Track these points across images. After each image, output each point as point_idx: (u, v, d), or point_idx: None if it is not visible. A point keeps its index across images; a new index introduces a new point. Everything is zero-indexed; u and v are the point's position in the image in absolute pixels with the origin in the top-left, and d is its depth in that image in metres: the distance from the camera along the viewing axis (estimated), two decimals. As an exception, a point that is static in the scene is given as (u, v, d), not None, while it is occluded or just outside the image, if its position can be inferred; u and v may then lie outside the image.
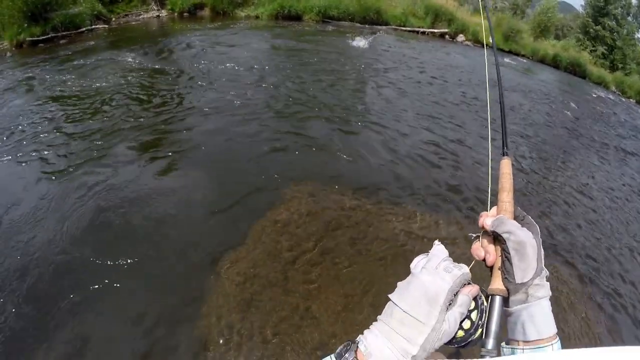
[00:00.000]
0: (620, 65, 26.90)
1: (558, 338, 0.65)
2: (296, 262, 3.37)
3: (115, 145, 4.93)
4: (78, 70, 7.77)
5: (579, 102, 13.18)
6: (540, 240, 0.70)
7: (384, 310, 0.65)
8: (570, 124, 10.01)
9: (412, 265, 0.69)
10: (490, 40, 1.34)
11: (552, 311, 0.67)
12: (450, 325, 0.62)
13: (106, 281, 3.06)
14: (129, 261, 3.25)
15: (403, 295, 0.64)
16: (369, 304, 3.07)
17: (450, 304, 0.63)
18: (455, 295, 0.64)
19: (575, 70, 20.72)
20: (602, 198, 6.18)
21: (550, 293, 0.67)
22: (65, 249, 3.34)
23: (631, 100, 20.50)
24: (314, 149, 5.26)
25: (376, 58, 10.95)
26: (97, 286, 3.01)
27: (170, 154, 4.80)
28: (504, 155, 0.88)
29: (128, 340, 2.67)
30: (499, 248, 0.71)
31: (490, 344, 0.65)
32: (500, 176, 0.83)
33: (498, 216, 0.73)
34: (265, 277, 3.21)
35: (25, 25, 10.70)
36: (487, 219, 0.74)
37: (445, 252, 0.69)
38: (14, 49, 10.39)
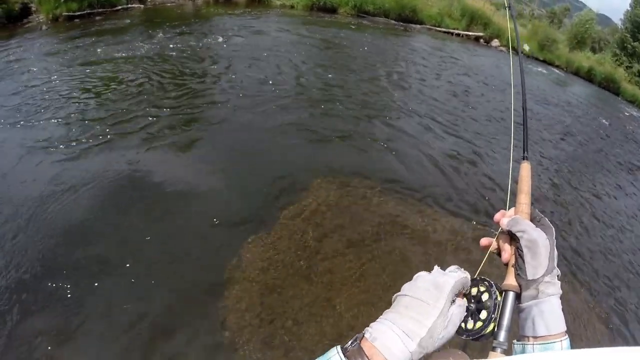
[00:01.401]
0: (656, 85, 26.09)
1: (567, 336, 0.67)
2: (320, 252, 3.42)
3: (143, 128, 4.89)
4: (110, 48, 7.85)
5: (610, 118, 12.86)
6: (555, 241, 0.73)
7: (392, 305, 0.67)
8: (598, 140, 9.79)
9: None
10: (526, 48, 1.35)
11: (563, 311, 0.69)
12: (454, 318, 0.63)
13: (129, 259, 3.13)
14: (153, 238, 3.33)
15: (410, 288, 0.66)
16: (389, 301, 3.08)
17: (453, 301, 0.65)
18: (456, 296, 0.66)
19: (609, 85, 20.20)
20: (620, 220, 6.07)
21: (560, 291, 0.69)
22: (87, 222, 3.41)
23: (666, 121, 19.90)
24: (343, 143, 5.29)
25: (409, 57, 10.87)
26: (119, 262, 3.09)
27: (199, 139, 4.81)
28: (524, 159, 0.91)
29: (149, 315, 2.74)
30: (513, 246, 0.75)
31: (502, 336, 0.67)
32: (520, 179, 0.87)
33: (514, 216, 0.77)
34: (289, 264, 3.27)
35: (63, 0, 10.85)
36: (504, 219, 0.77)
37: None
38: (49, 22, 10.49)
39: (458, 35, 17.02)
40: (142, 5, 13.00)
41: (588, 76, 19.86)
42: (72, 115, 5.01)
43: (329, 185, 4.28)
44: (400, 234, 3.85)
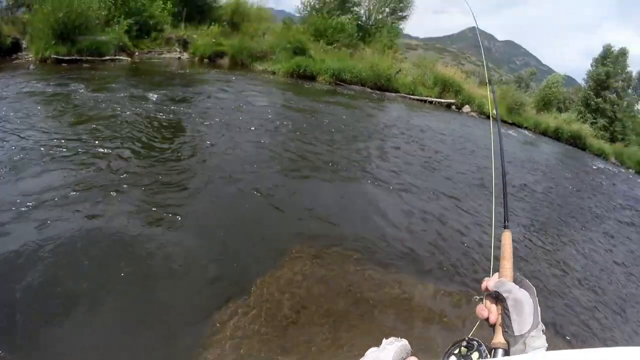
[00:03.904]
0: (620, 137, 27.66)
1: None
2: (297, 323, 3.38)
3: (117, 186, 4.79)
4: (95, 96, 8.00)
5: (579, 173, 13.50)
6: (537, 299, 0.78)
7: None
8: (570, 196, 10.23)
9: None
10: (495, 113, 1.53)
11: None
12: None
13: (98, 326, 3.02)
14: (123, 303, 3.24)
15: None
16: (367, 371, 3.04)
17: None
18: None
19: (576, 142, 21.36)
20: (597, 267, 6.35)
21: (546, 344, 0.72)
22: (63, 280, 3.27)
23: (630, 170, 21.03)
24: (321, 210, 5.38)
25: (384, 123, 11.41)
26: (88, 323, 2.99)
27: (173, 203, 4.71)
28: (505, 228, 0.97)
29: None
30: (500, 307, 0.79)
31: None
32: (502, 246, 0.92)
33: (499, 279, 0.83)
34: (265, 334, 3.21)
35: (53, 42, 11.22)
36: (490, 282, 0.83)
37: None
38: (37, 62, 10.85)
39: (431, 102, 18.01)
40: (129, 58, 13.50)
41: (555, 135, 21.02)
42: (41, 173, 4.82)
43: (305, 254, 4.30)
44: (378, 304, 3.85)
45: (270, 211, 5.11)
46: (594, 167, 16.71)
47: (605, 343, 4.45)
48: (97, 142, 5.93)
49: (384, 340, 0.75)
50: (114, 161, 5.45)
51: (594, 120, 27.71)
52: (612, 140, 26.83)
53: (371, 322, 3.61)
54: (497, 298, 0.81)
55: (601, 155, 21.43)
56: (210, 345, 3.03)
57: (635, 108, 30.15)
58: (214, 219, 4.69)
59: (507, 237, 0.94)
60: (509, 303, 0.76)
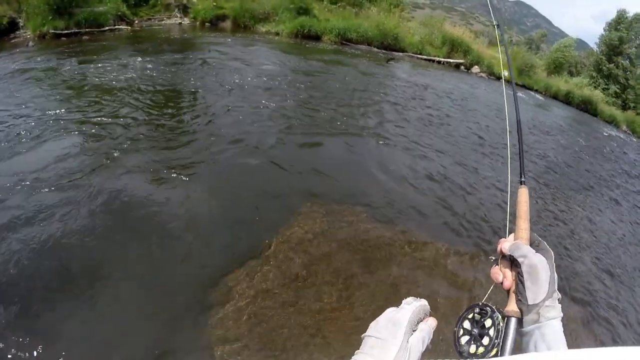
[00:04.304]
0: (632, 105, 27.08)
1: None
2: (308, 281, 3.39)
3: (126, 152, 4.82)
4: (96, 67, 7.89)
5: (589, 139, 13.29)
6: (554, 265, 0.75)
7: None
8: (580, 161, 10.07)
9: None
10: (506, 74, 1.42)
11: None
12: (414, 347, 0.65)
13: (117, 284, 3.07)
14: (140, 265, 3.28)
15: (373, 328, 0.68)
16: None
17: (414, 330, 0.67)
18: (417, 323, 0.68)
19: (587, 107, 20.92)
20: (606, 235, 6.30)
21: (561, 314, 0.71)
22: (79, 243, 3.34)
23: (642, 139, 20.60)
24: (329, 169, 5.31)
25: (392, 83, 11.14)
26: (105, 285, 3.03)
27: (182, 166, 4.72)
28: (521, 183, 0.92)
29: (134, 341, 2.68)
30: (514, 272, 0.76)
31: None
32: (518, 204, 0.88)
33: (515, 241, 0.79)
34: (277, 293, 3.23)
35: (50, 17, 11.01)
36: (505, 244, 0.79)
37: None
38: (36, 39, 10.65)
39: (439, 62, 17.55)
40: (129, 27, 13.23)
41: (566, 99, 20.57)
42: (52, 143, 4.86)
43: (316, 212, 4.28)
44: (389, 262, 3.85)
45: (278, 171, 5.05)
46: (605, 134, 16.43)
47: (613, 308, 4.46)
48: (100, 110, 5.89)
49: (403, 300, 0.72)
50: (119, 128, 5.43)
51: (606, 87, 27.10)
52: (624, 107, 26.29)
53: (381, 281, 3.60)
54: (512, 262, 0.78)
55: (612, 122, 21.00)
56: (223, 304, 3.06)
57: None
58: (222, 180, 4.66)
59: (523, 194, 0.89)
60: (524, 269, 0.74)
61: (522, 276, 0.73)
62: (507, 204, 0.93)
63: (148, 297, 3.04)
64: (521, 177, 0.95)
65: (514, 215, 0.88)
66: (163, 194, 4.18)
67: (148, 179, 4.38)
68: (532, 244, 0.80)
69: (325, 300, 3.26)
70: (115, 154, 4.73)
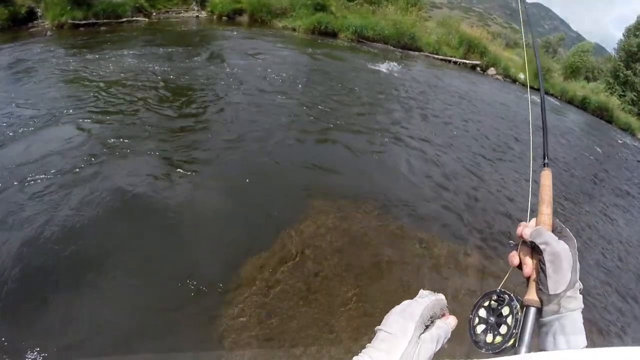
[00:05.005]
0: (648, 113, 26.52)
1: None
2: (319, 275, 3.44)
3: (138, 144, 4.85)
4: (113, 58, 7.96)
5: (603, 146, 13.11)
6: (577, 253, 0.71)
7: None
8: (593, 168, 9.96)
9: None
10: (536, 55, 1.39)
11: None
12: (426, 344, 0.62)
13: (130, 273, 3.14)
14: (153, 255, 3.35)
15: (385, 321, 0.66)
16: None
17: (427, 327, 0.65)
18: (431, 319, 0.66)
19: (603, 114, 20.58)
20: (617, 243, 6.24)
21: (582, 305, 0.68)
22: (94, 233, 3.42)
23: (658, 148, 20.21)
24: (342, 165, 5.36)
25: (408, 82, 11.09)
26: (118, 273, 3.10)
27: (194, 159, 4.79)
28: (544, 165, 0.87)
29: (145, 330, 2.74)
30: (535, 260, 0.73)
31: (523, 352, 0.65)
32: (541, 187, 0.83)
33: (536, 227, 0.75)
34: (288, 285, 3.27)
35: (69, 8, 11.15)
36: (526, 229, 0.75)
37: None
38: (54, 29, 10.79)
39: (455, 63, 17.42)
40: (147, 19, 13.32)
41: (582, 104, 20.27)
42: (66, 132, 4.94)
43: (328, 208, 4.31)
44: (399, 260, 3.87)
45: (292, 166, 5.11)
46: (620, 142, 16.18)
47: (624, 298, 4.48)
48: (115, 101, 5.98)
49: (419, 292, 0.70)
50: (133, 119, 5.52)
51: (622, 93, 26.53)
52: (640, 115, 25.75)
53: (390, 278, 3.63)
54: (533, 249, 0.74)
55: (628, 130, 20.61)
56: (233, 295, 3.10)
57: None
58: (236, 175, 4.70)
59: (546, 177, 0.84)
60: (546, 257, 0.70)
61: (544, 264, 0.69)
62: (528, 194, 0.89)
63: (159, 287, 3.10)
64: (545, 158, 0.90)
65: (534, 201, 0.84)
66: (174, 187, 4.22)
67: (159, 173, 4.41)
68: (554, 230, 0.76)
69: (334, 294, 3.30)
70: (125, 147, 4.78)
